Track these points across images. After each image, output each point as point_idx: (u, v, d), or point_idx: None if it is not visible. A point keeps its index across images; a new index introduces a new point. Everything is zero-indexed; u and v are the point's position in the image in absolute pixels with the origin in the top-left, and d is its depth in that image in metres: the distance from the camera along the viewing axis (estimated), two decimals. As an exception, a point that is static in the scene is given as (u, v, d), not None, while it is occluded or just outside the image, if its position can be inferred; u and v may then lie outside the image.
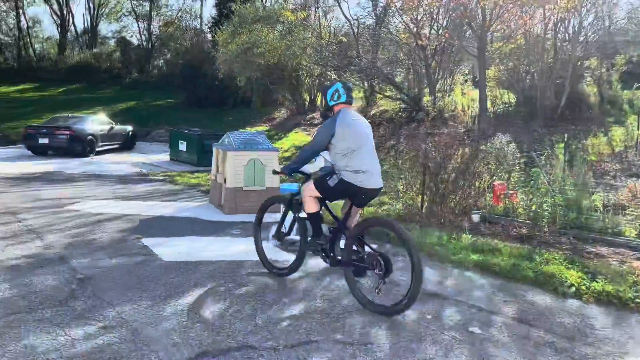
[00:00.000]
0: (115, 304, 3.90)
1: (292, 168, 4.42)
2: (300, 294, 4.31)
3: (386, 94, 18.05)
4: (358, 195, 4.17)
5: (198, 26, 37.02)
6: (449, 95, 16.65)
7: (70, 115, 18.56)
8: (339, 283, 4.59)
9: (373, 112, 18.06)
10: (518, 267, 5.03)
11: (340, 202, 4.64)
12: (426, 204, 6.99)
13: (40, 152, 15.98)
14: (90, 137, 16.39)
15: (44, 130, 15.92)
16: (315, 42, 19.69)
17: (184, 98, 27.19)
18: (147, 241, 5.79)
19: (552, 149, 7.64)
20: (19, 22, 39.24)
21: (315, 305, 4.08)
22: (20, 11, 39.00)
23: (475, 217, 6.93)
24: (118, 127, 18.63)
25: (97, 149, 16.71)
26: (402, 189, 7.35)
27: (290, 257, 4.75)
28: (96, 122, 17.58)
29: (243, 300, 4.10)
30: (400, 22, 16.72)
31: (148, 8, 39.28)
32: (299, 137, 17.51)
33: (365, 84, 19.05)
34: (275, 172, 5.07)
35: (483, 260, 5.26)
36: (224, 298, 4.14)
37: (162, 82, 31.34)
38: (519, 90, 14.92)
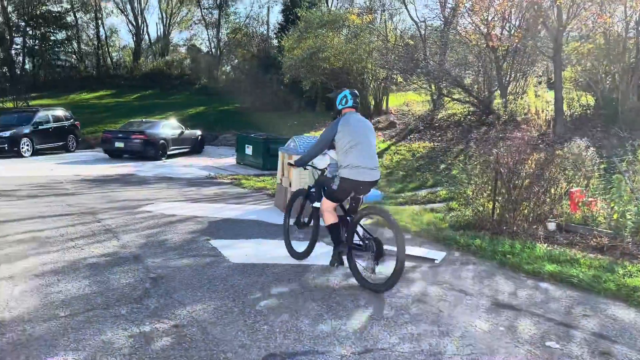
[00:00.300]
0: (186, 303, 3.98)
1: (304, 162, 5.06)
2: (367, 300, 4.23)
3: (454, 97, 17.63)
4: (358, 188, 4.69)
5: (265, 32, 37.79)
6: (521, 98, 16.00)
7: (144, 120, 19.47)
8: (406, 291, 4.48)
9: (440, 115, 17.69)
10: (599, 279, 4.71)
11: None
12: (498, 211, 6.70)
13: (116, 155, 16.84)
14: (162, 141, 17.09)
15: (120, 135, 16.80)
16: (381, 45, 19.54)
17: (250, 103, 27.78)
18: (215, 243, 5.91)
19: (635, 155, 7.12)
20: (98, 32, 41.76)
21: (383, 312, 3.99)
22: (99, 22, 41.49)
23: (551, 226, 6.58)
24: (188, 132, 19.30)
25: (168, 153, 17.40)
26: (472, 194, 7.09)
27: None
28: (168, 127, 18.31)
29: (310, 305, 4.08)
30: (469, 23, 16.27)
31: (217, 16, 40.56)
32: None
33: (432, 86, 18.69)
34: (290, 164, 5.65)
35: (560, 271, 4.96)
36: (291, 301, 4.14)
37: (229, 88, 32.19)
38: (598, 92, 14.10)
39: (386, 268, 4.60)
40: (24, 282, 4.34)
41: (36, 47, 39.07)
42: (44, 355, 3.08)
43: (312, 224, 5.20)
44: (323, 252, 5.68)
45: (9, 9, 37.30)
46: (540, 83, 18.53)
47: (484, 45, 15.27)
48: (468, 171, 7.56)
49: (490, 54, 15.37)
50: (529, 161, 6.80)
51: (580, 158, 7.18)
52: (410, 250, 5.70)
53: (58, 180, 11.09)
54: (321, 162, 5.10)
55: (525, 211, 6.64)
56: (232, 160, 16.63)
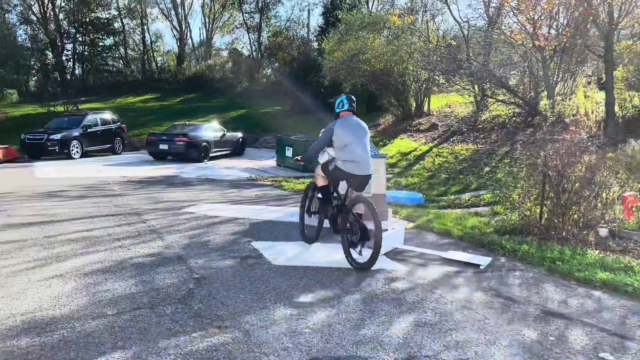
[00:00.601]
0: (229, 304, 4.01)
1: (309, 158, 5.75)
2: (410, 306, 4.15)
3: (499, 98, 17.20)
4: (350, 180, 5.32)
5: (305, 35, 38.00)
6: (569, 99, 15.44)
7: (187, 123, 19.89)
8: (450, 297, 4.37)
9: (484, 117, 17.30)
10: (655, 288, 4.48)
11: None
12: (545, 216, 6.47)
13: (160, 157, 17.25)
14: (204, 143, 17.40)
15: (164, 137, 17.23)
16: (423, 46, 19.29)
17: (291, 105, 27.95)
18: (257, 244, 5.94)
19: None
20: (143, 38, 43.07)
21: (426, 318, 3.90)
22: (145, 28, 42.78)
23: (603, 231, 6.30)
24: (229, 134, 19.59)
25: (210, 155, 17.70)
26: (518, 198, 6.87)
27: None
28: (210, 130, 18.64)
29: (351, 308, 4.03)
30: (515, 22, 15.83)
31: (258, 20, 41.06)
32: (405, 144, 17.19)
33: (476, 88, 18.30)
34: (296, 159, 6.16)
35: (613, 279, 4.74)
36: (332, 305, 4.10)
37: (270, 91, 32.52)
38: (652, 93, 13.47)
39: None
40: (73, 280, 4.47)
41: (85, 53, 40.82)
42: (93, 353, 3.15)
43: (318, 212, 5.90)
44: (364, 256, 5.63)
45: (60, 16, 38.93)
46: (589, 83, 17.83)
47: (530, 45, 14.81)
48: (514, 174, 7.34)
49: (537, 53, 14.90)
50: (579, 164, 6.54)
51: (634, 161, 6.85)
52: (454, 255, 5.58)
53: (105, 182, 11.43)
54: (322, 158, 5.73)
55: (575, 216, 6.39)
56: (272, 162, 16.76)
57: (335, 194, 5.63)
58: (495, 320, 3.89)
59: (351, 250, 5.17)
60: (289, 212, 8.27)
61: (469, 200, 9.22)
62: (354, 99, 5.62)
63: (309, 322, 3.72)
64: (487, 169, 12.00)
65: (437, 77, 19.15)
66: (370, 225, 5.07)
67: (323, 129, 5.57)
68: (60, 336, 3.35)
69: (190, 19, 43.61)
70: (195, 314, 3.79)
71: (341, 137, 5.28)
